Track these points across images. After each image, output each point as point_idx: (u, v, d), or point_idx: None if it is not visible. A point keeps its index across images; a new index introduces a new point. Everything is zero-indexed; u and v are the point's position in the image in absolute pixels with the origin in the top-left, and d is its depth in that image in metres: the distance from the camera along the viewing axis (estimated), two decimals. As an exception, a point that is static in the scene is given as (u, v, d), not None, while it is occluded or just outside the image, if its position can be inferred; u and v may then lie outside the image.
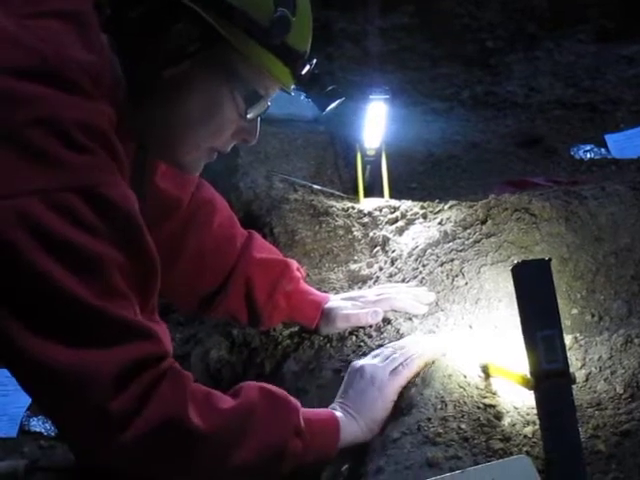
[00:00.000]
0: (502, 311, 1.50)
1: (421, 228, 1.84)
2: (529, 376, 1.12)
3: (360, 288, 1.76)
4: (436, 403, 1.21)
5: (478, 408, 1.21)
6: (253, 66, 1.15)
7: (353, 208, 2.02)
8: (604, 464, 1.11)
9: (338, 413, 1.27)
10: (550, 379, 1.09)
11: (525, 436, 1.17)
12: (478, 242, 1.65)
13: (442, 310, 1.56)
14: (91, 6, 1.13)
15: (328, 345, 1.56)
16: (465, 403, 1.22)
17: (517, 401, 1.24)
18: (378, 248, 1.88)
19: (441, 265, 1.65)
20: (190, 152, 1.22)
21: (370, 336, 1.52)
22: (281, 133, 2.37)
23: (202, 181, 1.54)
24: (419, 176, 2.59)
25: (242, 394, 1.17)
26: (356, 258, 1.89)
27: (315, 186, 2.17)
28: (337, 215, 1.98)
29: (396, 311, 1.56)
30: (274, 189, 2.10)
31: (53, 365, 1.00)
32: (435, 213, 1.87)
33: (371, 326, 1.54)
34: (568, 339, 1.38)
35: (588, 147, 2.57)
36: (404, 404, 1.25)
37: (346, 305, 1.58)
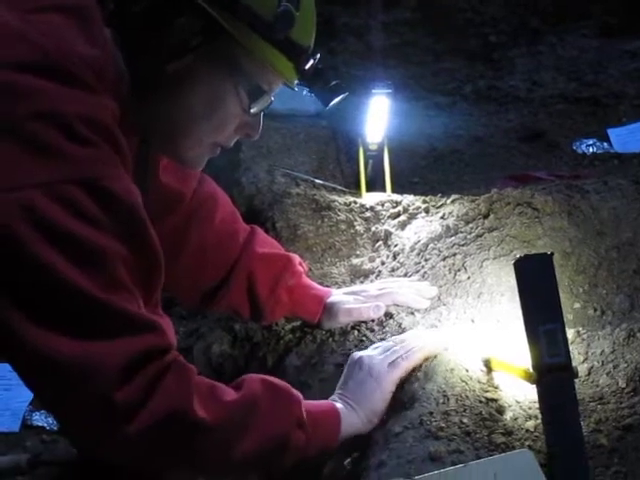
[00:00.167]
0: (504, 305, 1.50)
1: (423, 222, 1.84)
2: (531, 370, 1.12)
3: (362, 282, 1.77)
4: (438, 397, 1.21)
5: (480, 402, 1.22)
6: (257, 61, 1.15)
7: (355, 202, 2.01)
8: (606, 458, 1.11)
9: (338, 404, 1.27)
10: (552, 373, 1.09)
11: (527, 430, 1.17)
12: (480, 236, 1.65)
13: (444, 304, 1.56)
14: (94, 0, 1.12)
15: (330, 339, 1.56)
16: (467, 397, 1.22)
17: (519, 395, 1.24)
18: (380, 242, 1.88)
19: (443, 259, 1.65)
20: (193, 147, 1.22)
21: (372, 330, 1.52)
22: (283, 128, 2.36)
23: (204, 176, 1.54)
24: (421, 170, 2.58)
25: (245, 386, 1.18)
26: (358, 252, 1.89)
27: (317, 181, 2.17)
28: (339, 210, 1.98)
29: (398, 305, 1.57)
30: (276, 184, 2.10)
31: (56, 357, 1.00)
32: (437, 207, 1.87)
33: (373, 320, 1.54)
34: (570, 333, 1.38)
35: (590, 141, 2.56)
36: (406, 398, 1.26)
37: (348, 299, 1.58)
